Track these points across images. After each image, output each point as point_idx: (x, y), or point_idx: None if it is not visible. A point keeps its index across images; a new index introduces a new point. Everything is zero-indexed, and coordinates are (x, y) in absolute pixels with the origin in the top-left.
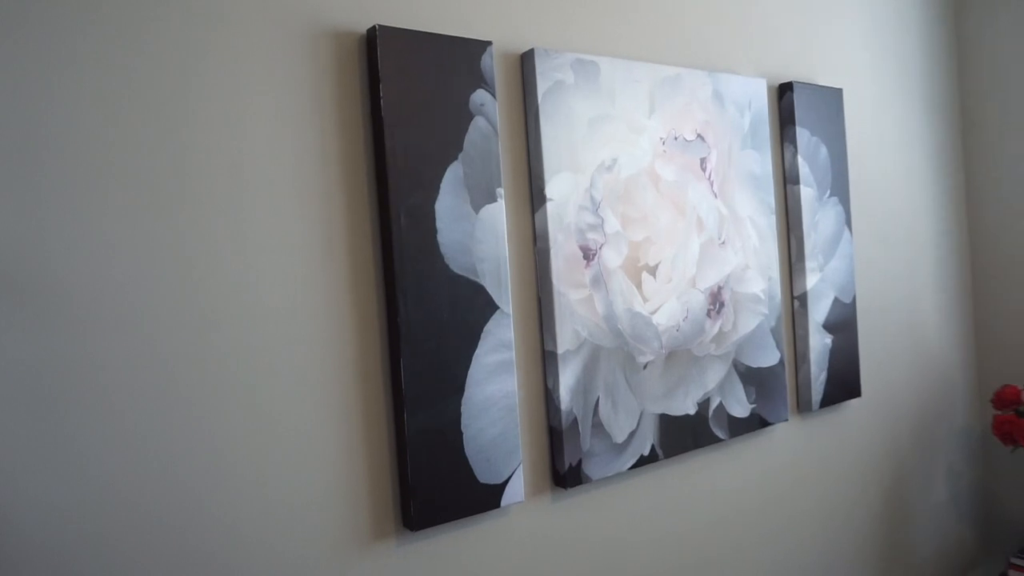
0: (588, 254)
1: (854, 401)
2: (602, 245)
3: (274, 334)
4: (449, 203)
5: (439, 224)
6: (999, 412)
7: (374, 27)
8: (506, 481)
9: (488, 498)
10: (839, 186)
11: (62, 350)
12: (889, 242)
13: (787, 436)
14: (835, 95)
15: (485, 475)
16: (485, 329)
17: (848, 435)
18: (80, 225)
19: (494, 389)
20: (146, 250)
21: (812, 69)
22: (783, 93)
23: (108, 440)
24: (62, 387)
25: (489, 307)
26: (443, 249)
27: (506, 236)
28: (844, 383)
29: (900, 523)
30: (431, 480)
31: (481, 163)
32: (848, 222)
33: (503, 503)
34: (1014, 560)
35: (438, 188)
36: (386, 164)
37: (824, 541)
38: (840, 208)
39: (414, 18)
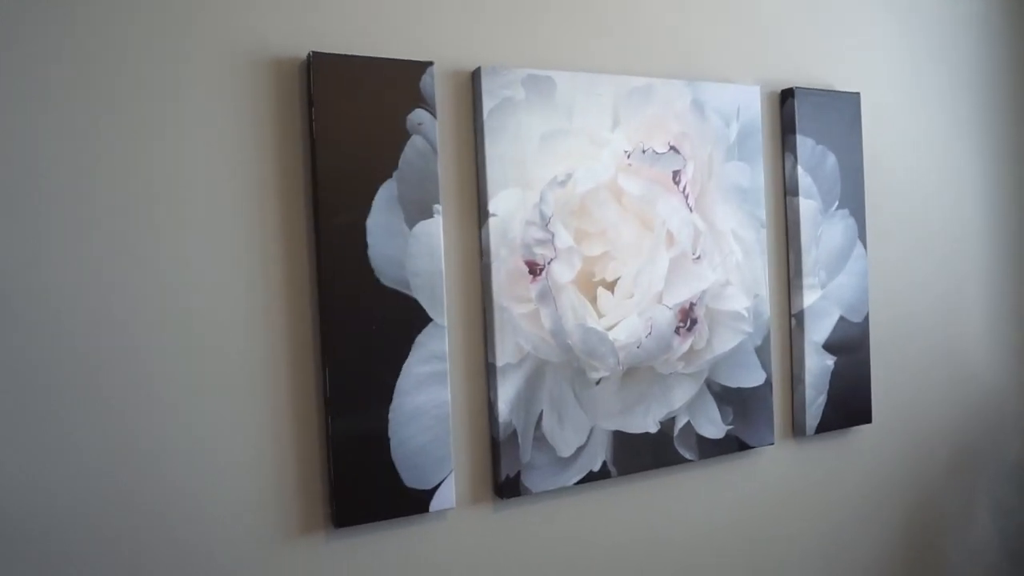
0: (535, 269)
1: (864, 427)
2: (551, 260)
3: (212, 339)
4: (381, 220)
5: (370, 240)
6: None
7: (310, 54)
8: (436, 487)
9: (416, 503)
10: (851, 197)
11: None
12: (924, 258)
13: (775, 461)
14: (850, 100)
15: (413, 480)
16: (417, 341)
17: (856, 463)
18: (22, 232)
19: (425, 399)
20: (89, 259)
21: (823, 72)
22: (784, 100)
23: (37, 439)
24: None
25: (421, 320)
26: (374, 263)
27: (443, 251)
28: (849, 408)
29: (929, 560)
30: (356, 481)
31: (417, 180)
32: (861, 236)
33: (432, 508)
34: None
35: (370, 206)
36: (317, 183)
37: (821, 572)
38: (851, 221)
39: (361, 42)
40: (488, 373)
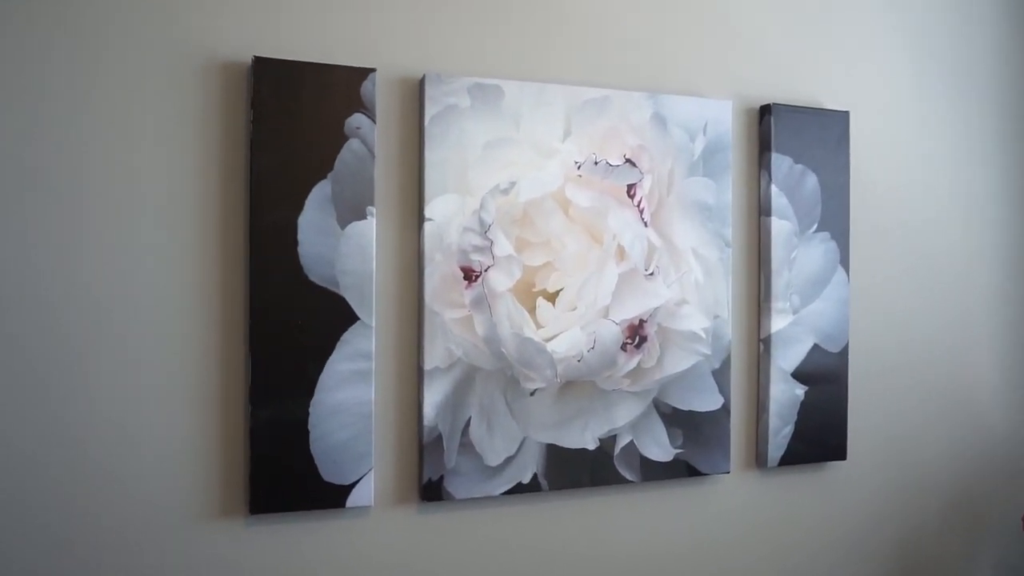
0: (470, 275)
1: (837, 464)
2: (488, 267)
3: (143, 326)
4: (313, 218)
5: (301, 237)
6: None
7: (253, 58)
8: (354, 484)
9: (332, 497)
10: (833, 220)
11: None
12: (920, 287)
13: (730, 491)
14: (837, 118)
15: (331, 475)
16: (342, 339)
17: (826, 501)
18: None
19: (347, 396)
20: (23, 244)
21: (812, 89)
22: (763, 116)
23: None
24: None
25: (348, 318)
26: (303, 260)
27: (375, 253)
28: (820, 441)
29: None
30: (275, 470)
31: (352, 182)
32: (843, 261)
33: (349, 504)
34: None
35: (303, 204)
36: (252, 180)
37: None
38: (832, 245)
39: (310, 48)
40: (418, 375)
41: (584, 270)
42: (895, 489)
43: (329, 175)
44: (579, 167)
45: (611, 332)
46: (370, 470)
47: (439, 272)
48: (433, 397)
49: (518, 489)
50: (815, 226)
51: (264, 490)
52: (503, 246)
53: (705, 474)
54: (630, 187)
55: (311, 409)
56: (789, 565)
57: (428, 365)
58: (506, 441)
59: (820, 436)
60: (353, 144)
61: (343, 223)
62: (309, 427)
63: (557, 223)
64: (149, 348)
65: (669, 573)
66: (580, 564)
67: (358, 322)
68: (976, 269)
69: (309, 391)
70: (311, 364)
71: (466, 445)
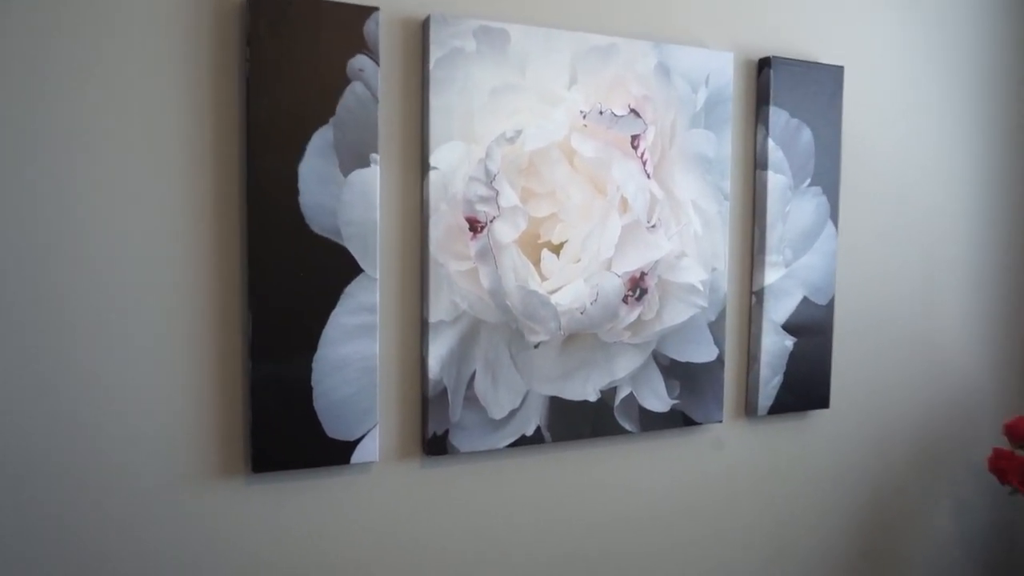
0: (476, 226)
1: (821, 412)
2: (494, 218)
3: (137, 277)
4: (314, 165)
5: (301, 185)
6: (1008, 447)
7: None
8: (359, 440)
9: (337, 453)
10: (825, 175)
11: None
12: (897, 240)
13: (722, 439)
14: (832, 73)
15: (335, 431)
16: (346, 291)
17: (809, 448)
18: None
19: (351, 350)
20: (9, 193)
21: (807, 43)
22: (761, 69)
23: None
24: None
25: (351, 270)
26: (304, 210)
27: (379, 201)
28: (807, 391)
29: (885, 553)
30: (275, 427)
31: (355, 127)
32: (833, 216)
33: (354, 460)
34: None
35: (303, 150)
36: (249, 124)
37: (773, 562)
38: (823, 199)
39: None
40: (421, 329)
41: (588, 222)
42: (870, 435)
43: (331, 120)
44: (584, 116)
45: (613, 284)
46: (375, 425)
47: (444, 223)
48: (438, 351)
49: (521, 442)
50: (808, 180)
51: (266, 448)
52: (508, 196)
53: (700, 423)
54: (634, 138)
55: (314, 365)
56: (775, 508)
57: (433, 318)
58: (510, 394)
59: (806, 386)
60: (356, 87)
61: (346, 171)
62: (312, 383)
63: (562, 173)
64: (140, 303)
65: (665, 520)
66: (581, 514)
67: (362, 274)
68: (949, 229)
69: (312, 346)
70: (313, 318)
71: (471, 399)
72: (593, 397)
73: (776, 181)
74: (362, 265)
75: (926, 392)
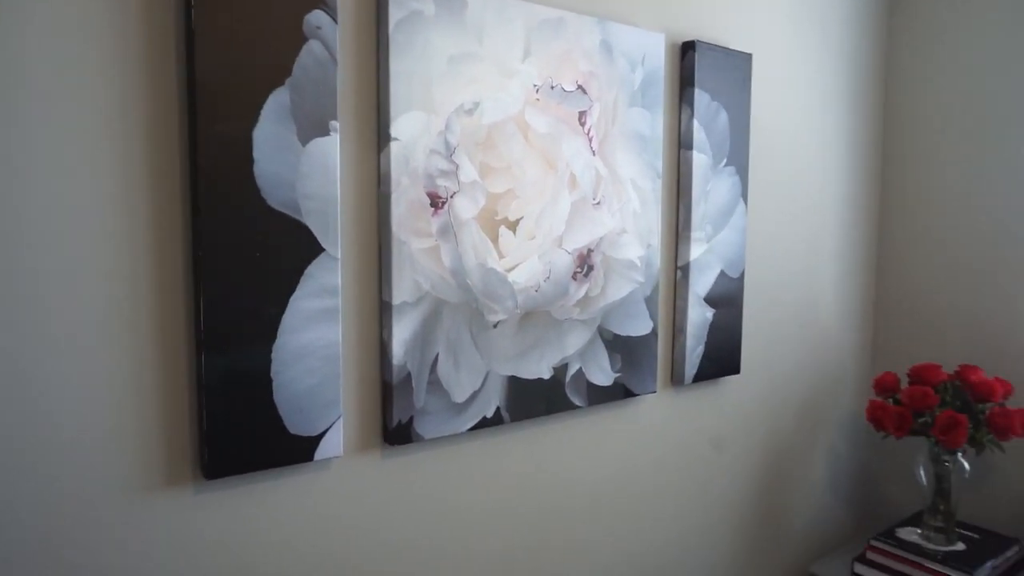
0: (437, 202)
1: (733, 378)
2: (454, 194)
3: (63, 262)
4: (270, 132)
5: (256, 154)
6: (877, 398)
7: None
8: (322, 434)
9: (300, 451)
10: (737, 156)
11: None
12: (790, 218)
13: (655, 409)
14: (743, 60)
15: (297, 426)
16: (306, 272)
17: (724, 412)
18: None
19: (313, 337)
20: None
21: (721, 30)
22: (685, 52)
23: None
24: None
25: (312, 249)
26: (260, 181)
27: (339, 174)
28: (723, 359)
29: (773, 500)
30: (232, 427)
31: (313, 92)
32: (744, 194)
33: (317, 456)
34: (873, 542)
35: (258, 114)
36: (196, 85)
37: (691, 514)
38: (737, 179)
39: None
40: (382, 312)
41: (542, 198)
42: (768, 396)
43: (287, 81)
44: (537, 90)
45: (564, 261)
46: (339, 417)
47: (406, 198)
48: (402, 334)
49: (482, 424)
50: (725, 160)
51: (221, 451)
52: (468, 171)
53: (637, 394)
54: (581, 114)
55: (273, 355)
56: (697, 467)
57: (396, 300)
58: (472, 376)
59: (722, 354)
60: (313, 47)
61: (304, 139)
62: (272, 375)
63: (518, 148)
64: (68, 290)
65: (610, 485)
66: (536, 489)
67: (323, 254)
68: (827, 210)
69: (270, 334)
70: (272, 303)
71: (434, 383)
72: (547, 375)
73: (700, 160)
74: (323, 243)
75: (810, 356)
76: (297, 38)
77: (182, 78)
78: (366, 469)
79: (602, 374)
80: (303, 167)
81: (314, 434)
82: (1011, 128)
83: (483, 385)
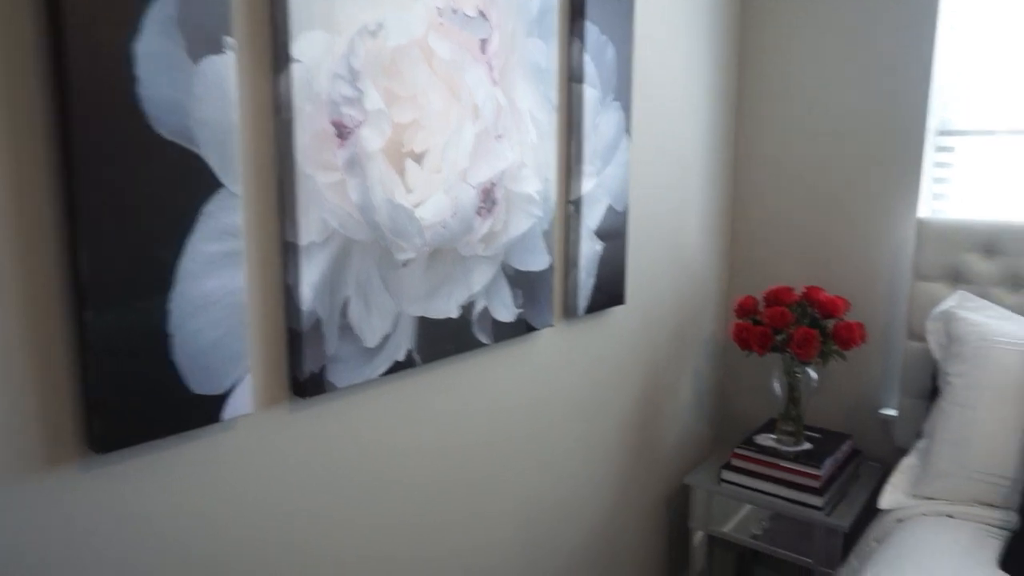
0: (343, 132)
1: (618, 308)
2: (361, 123)
3: None
4: (155, 46)
5: (140, 72)
6: (740, 320)
7: None
8: (229, 391)
9: (205, 411)
10: (623, 91)
11: None
12: (664, 153)
13: (552, 341)
14: None
15: (201, 385)
16: (204, 211)
17: (611, 341)
18: None
19: (216, 285)
20: None
21: None
22: None
23: None
24: None
25: (210, 184)
26: (145, 105)
27: (237, 98)
28: (610, 290)
29: (651, 420)
30: (125, 392)
31: (202, 0)
32: (628, 129)
33: (225, 416)
34: (736, 450)
35: (139, 25)
36: None
37: (586, 440)
38: (622, 114)
39: None
40: (286, 253)
41: (446, 129)
42: (646, 324)
43: None
44: (440, 14)
45: (469, 196)
46: (247, 372)
47: (310, 127)
48: (310, 277)
49: (394, 368)
50: (612, 95)
51: (113, 421)
52: (373, 99)
53: (537, 329)
54: (482, 42)
55: (171, 306)
56: (591, 394)
57: (303, 240)
58: (383, 318)
59: (610, 286)
60: None
61: (195, 56)
62: (170, 330)
63: (422, 75)
64: None
65: (516, 419)
66: (449, 429)
67: (222, 189)
68: (693, 136)
69: (166, 283)
70: (166, 247)
71: (345, 328)
72: (455, 313)
73: (590, 95)
74: (222, 178)
75: (678, 285)
76: None
77: None
78: (277, 425)
79: (506, 310)
80: (196, 89)
81: (220, 392)
82: (854, 62)
83: (394, 328)
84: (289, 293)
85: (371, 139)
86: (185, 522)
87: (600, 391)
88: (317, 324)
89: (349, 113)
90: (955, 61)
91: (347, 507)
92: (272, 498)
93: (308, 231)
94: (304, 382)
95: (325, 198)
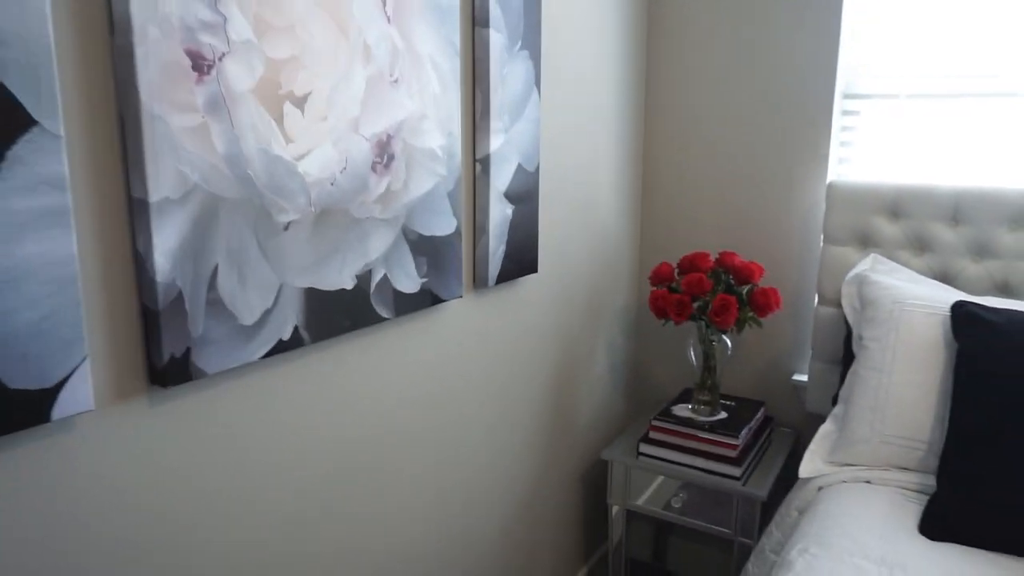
0: (201, 65)
1: (531, 277)
2: (224, 55)
3: None
4: None
5: None
6: (655, 288)
7: None
8: (60, 385)
9: (29, 411)
10: (531, 39)
11: None
12: (575, 110)
13: (461, 314)
14: None
15: (20, 378)
16: (10, 155)
17: (524, 313)
18: None
19: (33, 251)
20: None
21: None
22: None
23: None
24: None
25: (17, 121)
26: None
27: (50, 12)
28: (523, 258)
29: (567, 395)
30: None
31: None
32: (537, 82)
33: (56, 415)
34: (654, 422)
35: None
36: None
37: (498, 419)
38: (531, 64)
39: None
40: (133, 212)
41: (334, 71)
42: (560, 290)
43: None
44: None
45: (362, 150)
46: (84, 359)
47: (158, 57)
48: (166, 242)
49: (279, 348)
50: (520, 44)
51: None
52: (240, 26)
53: (444, 300)
54: None
55: None
56: (502, 369)
57: (154, 196)
58: (262, 291)
59: (522, 253)
60: None
61: None
62: None
63: (301, 3)
64: None
65: (421, 398)
66: (346, 414)
67: (36, 127)
68: (604, 94)
69: None
70: None
71: (214, 303)
72: (350, 284)
73: (496, 40)
74: (34, 114)
75: (591, 252)
76: None
77: None
78: (130, 422)
79: (408, 280)
80: None
81: (48, 386)
82: (764, 25)
83: (276, 302)
84: (139, 262)
85: (239, 76)
86: (11, 545)
87: (513, 366)
88: (178, 299)
89: (208, 42)
90: (860, 25)
91: (222, 513)
92: (127, 508)
93: (160, 185)
94: (164, 369)
95: (181, 145)
